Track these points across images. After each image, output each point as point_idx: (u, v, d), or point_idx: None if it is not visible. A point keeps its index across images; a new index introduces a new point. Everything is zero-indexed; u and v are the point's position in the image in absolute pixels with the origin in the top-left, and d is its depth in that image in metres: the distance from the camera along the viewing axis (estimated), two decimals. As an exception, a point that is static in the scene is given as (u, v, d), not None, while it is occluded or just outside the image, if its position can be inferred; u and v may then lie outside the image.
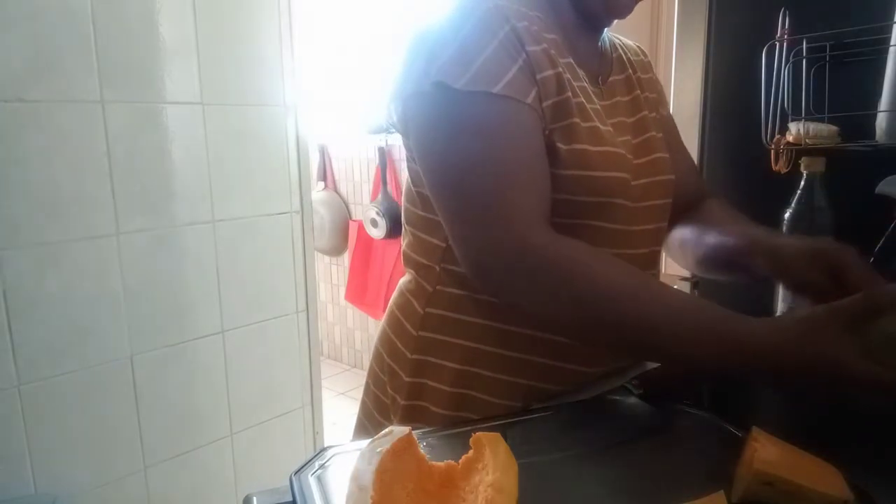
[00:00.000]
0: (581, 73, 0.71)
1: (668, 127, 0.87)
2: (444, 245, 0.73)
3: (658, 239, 0.80)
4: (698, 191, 0.90)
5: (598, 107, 0.71)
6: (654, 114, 0.81)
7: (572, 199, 0.67)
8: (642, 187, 0.73)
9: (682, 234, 0.87)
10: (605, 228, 0.69)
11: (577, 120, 0.66)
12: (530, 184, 0.63)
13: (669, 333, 0.57)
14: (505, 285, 0.62)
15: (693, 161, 0.92)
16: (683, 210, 0.85)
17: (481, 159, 0.62)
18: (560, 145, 0.65)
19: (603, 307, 0.58)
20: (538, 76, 0.64)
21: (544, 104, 0.65)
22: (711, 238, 0.80)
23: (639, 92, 0.80)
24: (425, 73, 0.63)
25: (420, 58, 0.64)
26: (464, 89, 0.61)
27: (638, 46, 0.87)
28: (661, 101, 0.87)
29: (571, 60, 0.69)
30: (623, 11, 0.73)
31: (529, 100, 0.63)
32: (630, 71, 0.81)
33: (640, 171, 0.73)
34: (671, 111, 0.90)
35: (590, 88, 0.72)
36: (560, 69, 0.66)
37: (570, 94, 0.66)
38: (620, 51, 0.82)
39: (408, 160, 0.75)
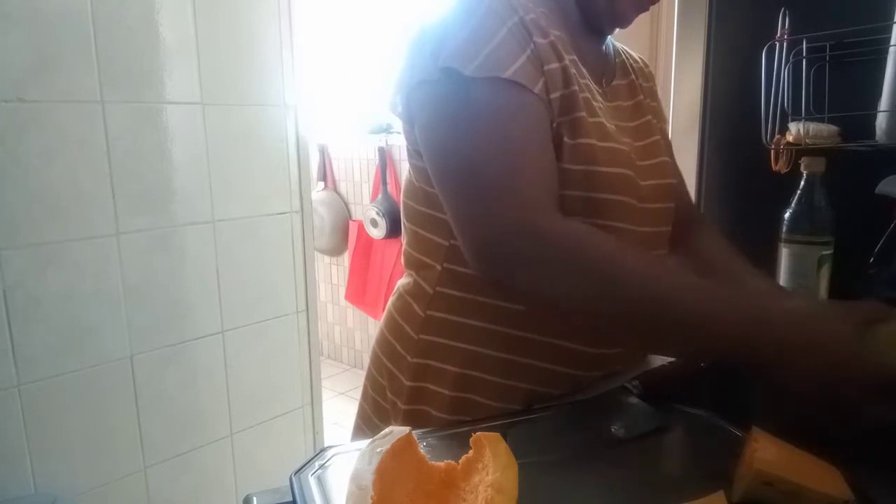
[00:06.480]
0: (585, 72, 0.71)
1: (666, 142, 0.87)
2: (447, 244, 0.72)
3: (662, 242, 0.79)
4: (690, 211, 0.90)
5: (603, 105, 0.71)
6: (656, 121, 0.82)
7: (579, 196, 0.66)
8: (649, 189, 0.73)
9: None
10: (612, 227, 0.69)
11: (583, 114, 0.66)
12: (539, 170, 0.62)
13: (688, 304, 0.56)
14: (512, 271, 0.60)
15: (683, 178, 0.93)
16: (677, 230, 0.84)
17: (489, 144, 0.61)
18: (566, 139, 0.65)
19: (616, 282, 0.57)
20: (545, 67, 0.64)
21: (551, 96, 0.64)
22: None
23: (642, 97, 0.81)
24: (433, 60, 0.62)
25: (427, 46, 0.64)
26: (473, 75, 0.60)
27: (641, 58, 0.88)
28: (661, 115, 0.87)
29: (576, 58, 0.69)
30: (624, 20, 0.74)
31: (537, 89, 0.63)
32: (633, 77, 0.81)
33: (645, 173, 0.73)
34: (671, 111, 0.90)
35: (594, 87, 0.72)
36: (566, 63, 0.66)
37: (576, 87, 0.66)
38: (623, 56, 0.83)
39: (410, 155, 0.75)
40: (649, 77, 0.86)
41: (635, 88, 0.81)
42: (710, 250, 0.85)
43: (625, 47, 0.85)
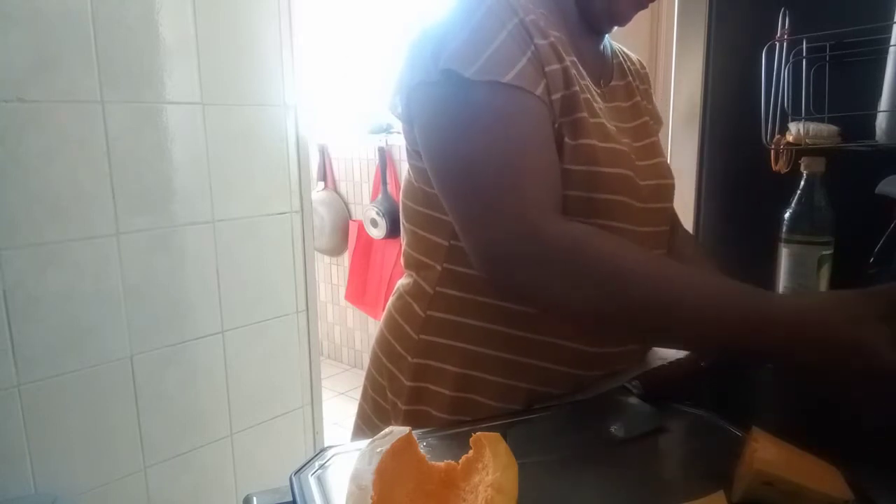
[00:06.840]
0: (584, 72, 0.71)
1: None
2: (446, 244, 0.72)
3: (662, 242, 0.80)
4: (673, 219, 0.89)
5: (602, 106, 0.72)
6: (652, 122, 0.82)
7: (579, 196, 0.67)
8: (649, 189, 0.73)
9: None
10: (613, 227, 0.69)
11: (584, 115, 0.66)
12: (540, 172, 0.62)
13: (691, 306, 0.56)
14: (516, 273, 0.60)
15: None
16: None
17: (490, 148, 0.61)
18: (568, 140, 0.65)
19: (619, 285, 0.57)
20: (546, 69, 0.64)
21: (553, 97, 0.65)
22: None
23: (639, 99, 0.81)
24: (433, 62, 0.62)
25: (428, 48, 0.64)
26: (473, 78, 0.60)
27: (638, 60, 0.88)
28: (657, 117, 0.87)
29: (575, 59, 0.70)
30: (623, 19, 0.74)
31: (538, 91, 0.63)
32: (630, 78, 0.82)
33: (645, 173, 0.73)
34: (671, 111, 0.91)
35: (593, 88, 0.72)
36: (567, 64, 0.66)
37: (577, 88, 0.66)
38: (621, 57, 0.83)
39: (410, 155, 0.75)
40: (645, 79, 0.87)
41: (632, 90, 0.81)
42: (684, 254, 0.86)
43: (622, 47, 0.86)
